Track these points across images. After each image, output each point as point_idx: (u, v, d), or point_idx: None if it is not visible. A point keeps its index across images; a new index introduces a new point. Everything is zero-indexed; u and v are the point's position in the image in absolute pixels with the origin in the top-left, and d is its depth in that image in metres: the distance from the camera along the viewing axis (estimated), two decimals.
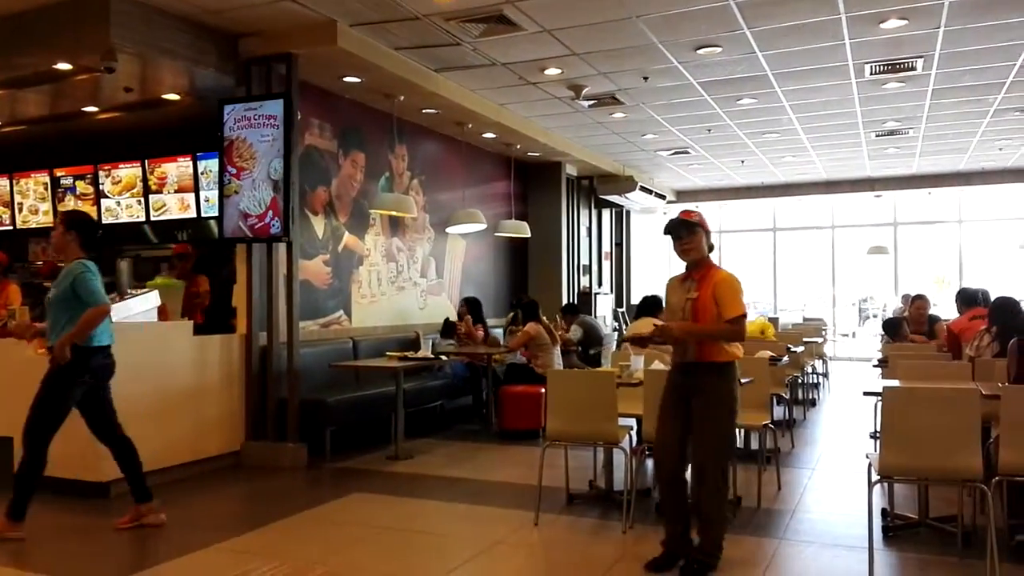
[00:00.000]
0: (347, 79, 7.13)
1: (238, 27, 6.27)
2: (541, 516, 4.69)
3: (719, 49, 6.99)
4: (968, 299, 6.87)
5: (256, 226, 6.26)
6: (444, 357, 7.44)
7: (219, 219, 6.50)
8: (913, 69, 7.66)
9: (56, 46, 5.71)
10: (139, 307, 5.63)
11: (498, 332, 9.84)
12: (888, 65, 7.58)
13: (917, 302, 8.48)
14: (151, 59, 5.90)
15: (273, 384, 6.39)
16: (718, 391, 3.80)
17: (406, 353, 7.16)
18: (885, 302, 16.77)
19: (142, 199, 7.81)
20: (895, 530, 4.50)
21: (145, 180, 7.78)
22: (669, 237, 3.91)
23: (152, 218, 7.81)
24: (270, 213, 6.22)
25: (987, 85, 8.30)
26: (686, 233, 3.87)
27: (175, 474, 5.69)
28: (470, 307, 8.64)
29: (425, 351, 7.19)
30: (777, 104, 9.00)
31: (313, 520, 4.86)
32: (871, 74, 7.83)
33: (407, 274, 8.89)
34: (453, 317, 9.13)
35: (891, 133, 10.65)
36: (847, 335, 18.36)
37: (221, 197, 6.41)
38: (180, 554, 4.15)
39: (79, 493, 5.18)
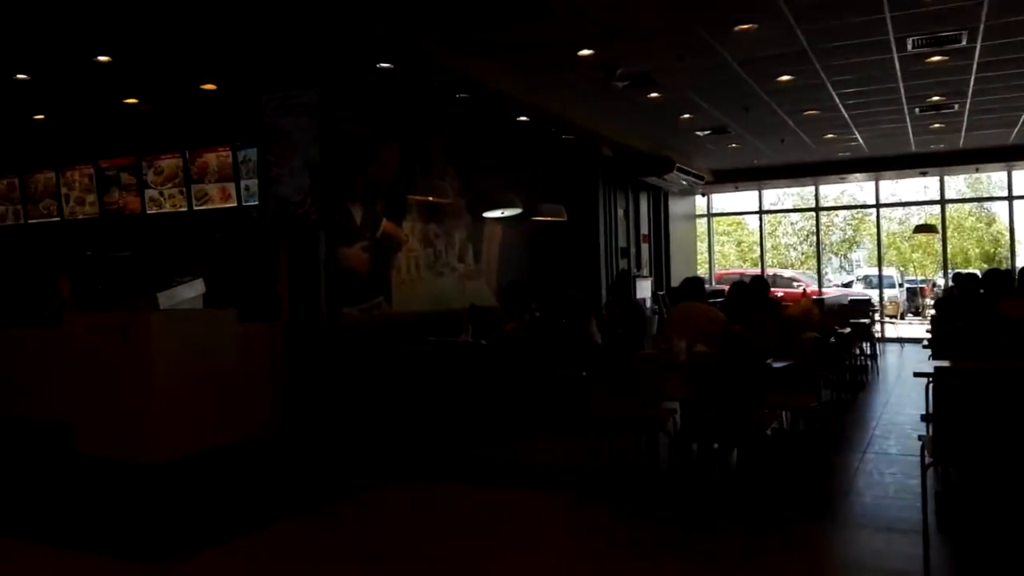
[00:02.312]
0: (382, 65, 7.13)
1: None
2: (589, 500, 4.68)
3: (755, 26, 6.86)
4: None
5: (296, 214, 6.33)
6: (484, 342, 7.45)
7: (260, 208, 6.58)
8: (958, 42, 7.44)
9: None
10: (186, 294, 5.73)
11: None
12: (931, 38, 7.37)
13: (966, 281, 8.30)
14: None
15: (315, 369, 6.47)
16: None
17: (446, 338, 7.18)
18: (935, 281, 16.44)
19: (184, 189, 7.93)
20: (950, 514, 4.39)
21: (186, 170, 7.90)
22: None
23: (195, 207, 7.94)
24: (309, 201, 6.28)
25: None
26: None
27: (225, 454, 5.77)
28: (513, 293, 8.14)
29: (467, 336, 7.21)
30: (817, 81, 8.82)
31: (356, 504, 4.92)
32: (913, 48, 7.62)
33: (445, 259, 8.91)
34: (491, 303, 9.13)
35: (935, 108, 10.38)
36: (895, 316, 18.03)
37: (261, 186, 6.48)
38: (238, 535, 4.23)
39: None
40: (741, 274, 15.42)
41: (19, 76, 6.43)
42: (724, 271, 19.12)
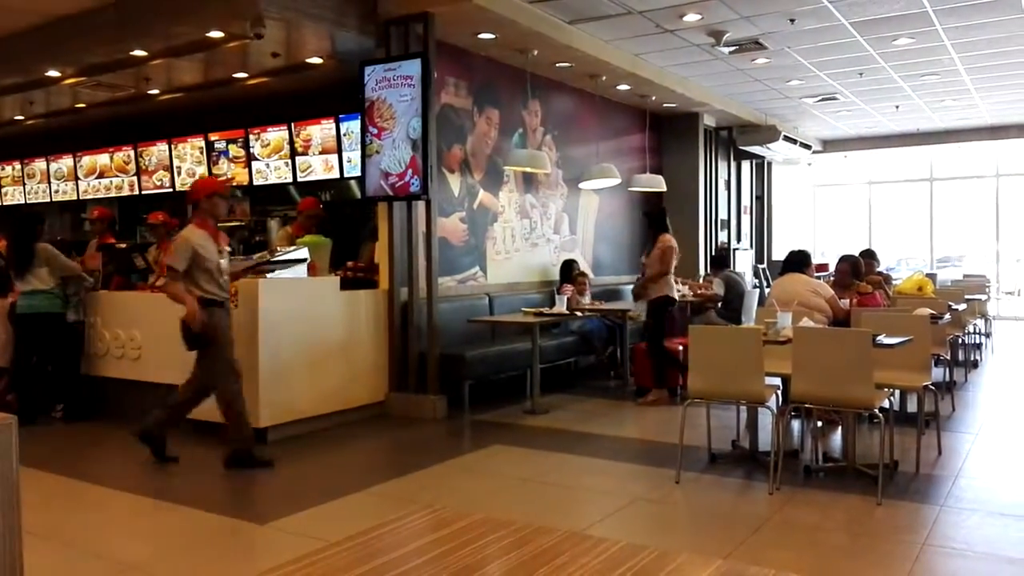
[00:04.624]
0: (482, 36, 7.11)
1: None
2: (682, 474, 4.62)
3: None
4: None
5: (396, 185, 6.41)
6: (579, 313, 7.43)
7: (361, 179, 6.70)
8: None
9: (208, 15, 6.00)
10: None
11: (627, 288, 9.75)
12: None
13: None
14: (296, 23, 6.10)
15: (414, 338, 6.59)
16: None
17: (541, 309, 7.19)
18: None
19: (289, 161, 8.16)
20: None
21: (291, 143, 8.11)
22: None
23: (299, 179, 8.16)
24: (409, 172, 6.35)
25: None
26: None
27: (329, 420, 6.00)
28: (562, 269, 8.60)
29: (560, 307, 7.20)
30: (938, 43, 8.29)
31: (455, 470, 5.01)
32: None
33: (540, 231, 8.89)
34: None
35: None
36: (1012, 293, 16.98)
37: (363, 157, 6.59)
38: (335, 496, 4.38)
39: None
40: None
41: (136, 53, 6.73)
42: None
